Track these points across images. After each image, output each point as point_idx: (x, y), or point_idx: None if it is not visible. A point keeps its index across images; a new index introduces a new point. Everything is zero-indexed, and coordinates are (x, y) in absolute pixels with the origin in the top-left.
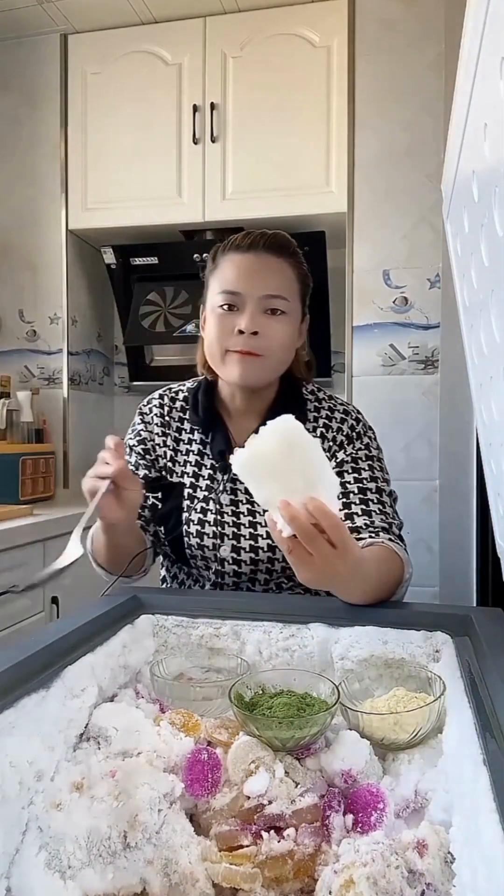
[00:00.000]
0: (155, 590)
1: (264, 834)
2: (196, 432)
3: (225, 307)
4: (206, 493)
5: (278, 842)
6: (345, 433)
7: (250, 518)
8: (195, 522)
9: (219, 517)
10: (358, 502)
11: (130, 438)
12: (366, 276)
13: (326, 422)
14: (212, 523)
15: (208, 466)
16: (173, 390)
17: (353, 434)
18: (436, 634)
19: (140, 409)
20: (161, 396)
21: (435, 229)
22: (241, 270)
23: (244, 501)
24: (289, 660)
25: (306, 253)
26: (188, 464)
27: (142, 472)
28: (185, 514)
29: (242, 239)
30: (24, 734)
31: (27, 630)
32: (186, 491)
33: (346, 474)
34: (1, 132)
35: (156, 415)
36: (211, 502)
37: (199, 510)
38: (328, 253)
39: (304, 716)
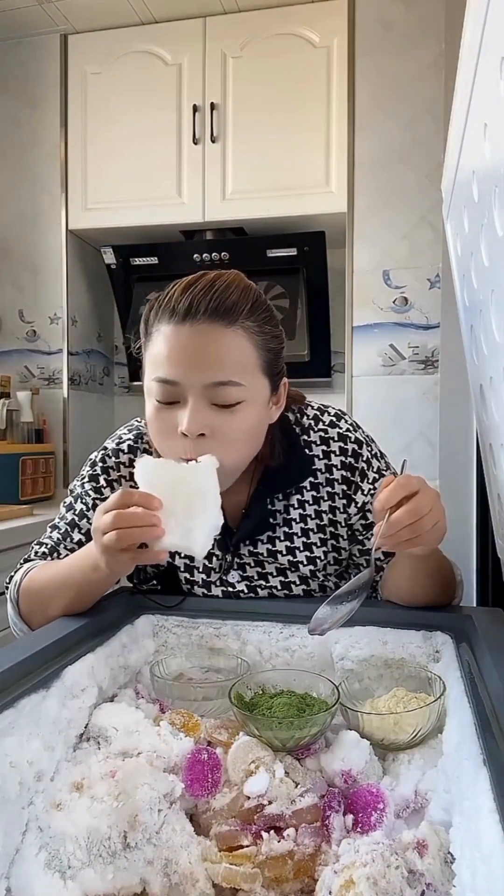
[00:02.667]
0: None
1: (264, 834)
2: None
3: (162, 400)
4: (205, 577)
5: (278, 842)
6: (350, 466)
7: (268, 582)
8: (201, 595)
9: (229, 589)
10: None
11: (89, 493)
12: (366, 276)
13: (327, 461)
14: (221, 595)
15: None
16: (136, 451)
17: (360, 465)
18: (436, 634)
19: (104, 461)
20: (132, 451)
21: (435, 229)
22: (176, 351)
23: (256, 577)
24: (289, 660)
25: (306, 253)
26: None
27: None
28: (183, 585)
29: (179, 300)
30: (24, 734)
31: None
32: (183, 575)
33: (370, 515)
34: (1, 132)
35: (126, 477)
36: (217, 581)
37: (201, 584)
38: (328, 253)
39: (304, 716)
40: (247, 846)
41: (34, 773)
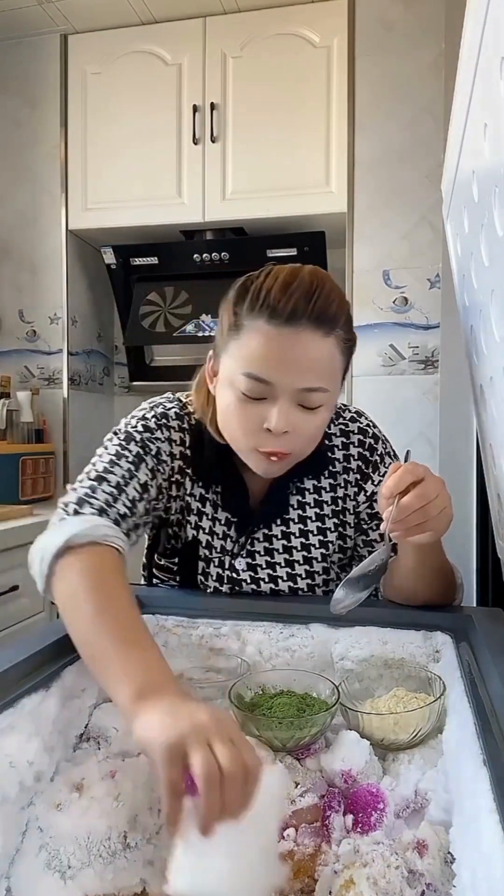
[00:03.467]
0: (155, 589)
1: None
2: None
3: (250, 395)
4: (220, 557)
5: (278, 842)
6: (365, 458)
7: (275, 571)
8: (213, 577)
9: (234, 574)
10: None
11: (149, 440)
12: (366, 276)
13: (345, 452)
14: (226, 580)
15: (223, 521)
16: (182, 419)
17: (374, 458)
18: (436, 635)
19: (157, 419)
20: (179, 418)
21: (435, 229)
22: (275, 353)
23: (264, 566)
24: (289, 660)
25: (306, 253)
26: (203, 516)
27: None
28: (200, 564)
29: (280, 299)
30: (24, 734)
31: (27, 630)
32: (203, 551)
33: (375, 505)
34: (1, 132)
35: (177, 441)
36: (227, 562)
37: (216, 563)
38: (328, 253)
39: (304, 716)
40: None
41: (34, 773)
